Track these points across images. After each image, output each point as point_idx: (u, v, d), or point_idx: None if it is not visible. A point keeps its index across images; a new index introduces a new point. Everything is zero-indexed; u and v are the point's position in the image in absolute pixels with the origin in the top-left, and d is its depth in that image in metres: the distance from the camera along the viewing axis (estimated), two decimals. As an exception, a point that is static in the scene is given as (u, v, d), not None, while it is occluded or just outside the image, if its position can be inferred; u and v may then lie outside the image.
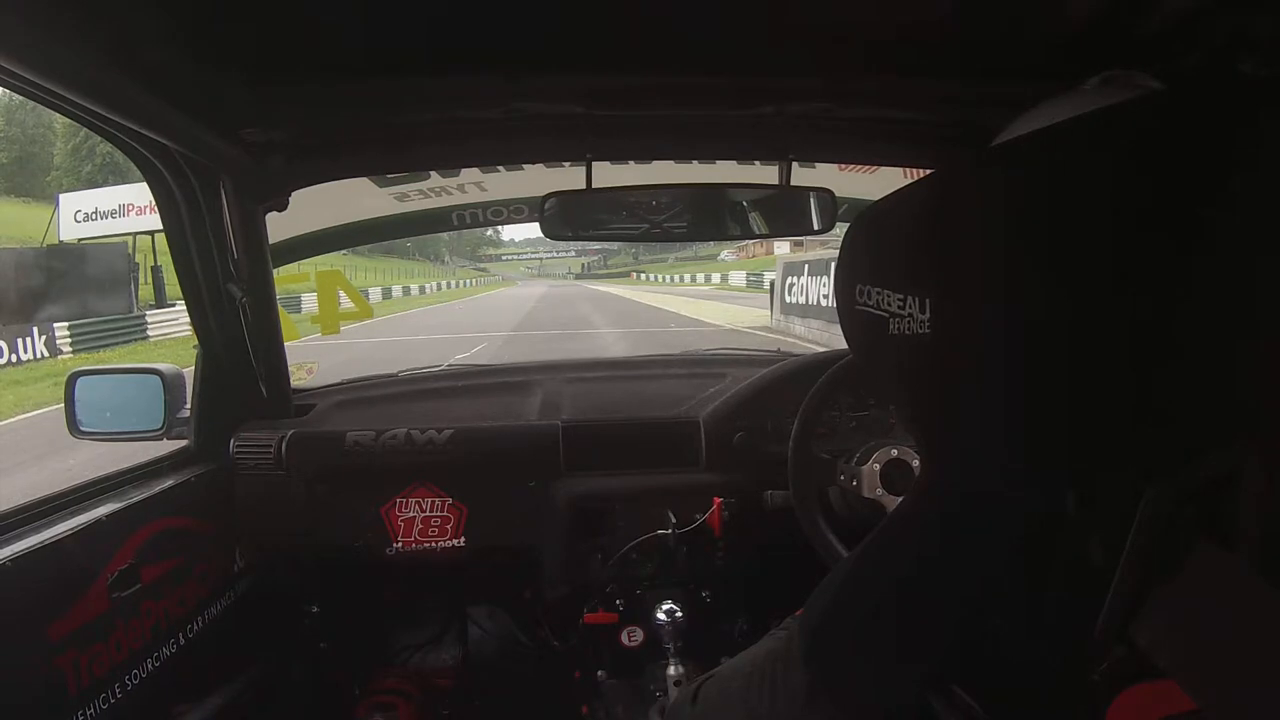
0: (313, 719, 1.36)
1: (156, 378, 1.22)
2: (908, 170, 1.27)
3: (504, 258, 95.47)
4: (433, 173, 1.74)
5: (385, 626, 1.58)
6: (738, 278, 30.23)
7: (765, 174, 1.23)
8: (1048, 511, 0.33)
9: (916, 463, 1.07)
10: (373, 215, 1.82)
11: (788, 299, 11.27)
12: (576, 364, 1.66)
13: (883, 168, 1.44)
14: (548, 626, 1.43)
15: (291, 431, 1.24)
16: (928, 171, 0.62)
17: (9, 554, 0.78)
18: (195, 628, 1.07)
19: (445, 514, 1.26)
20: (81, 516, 0.90)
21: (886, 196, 0.38)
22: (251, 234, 1.15)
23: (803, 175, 1.17)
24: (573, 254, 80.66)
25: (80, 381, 1.22)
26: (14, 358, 11.14)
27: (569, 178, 1.24)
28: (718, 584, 1.31)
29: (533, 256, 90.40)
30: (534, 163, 1.45)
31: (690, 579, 1.30)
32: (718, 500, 1.25)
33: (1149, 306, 0.27)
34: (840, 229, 0.88)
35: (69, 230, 14.66)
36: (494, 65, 0.85)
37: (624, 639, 1.30)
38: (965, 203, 0.33)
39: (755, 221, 1.16)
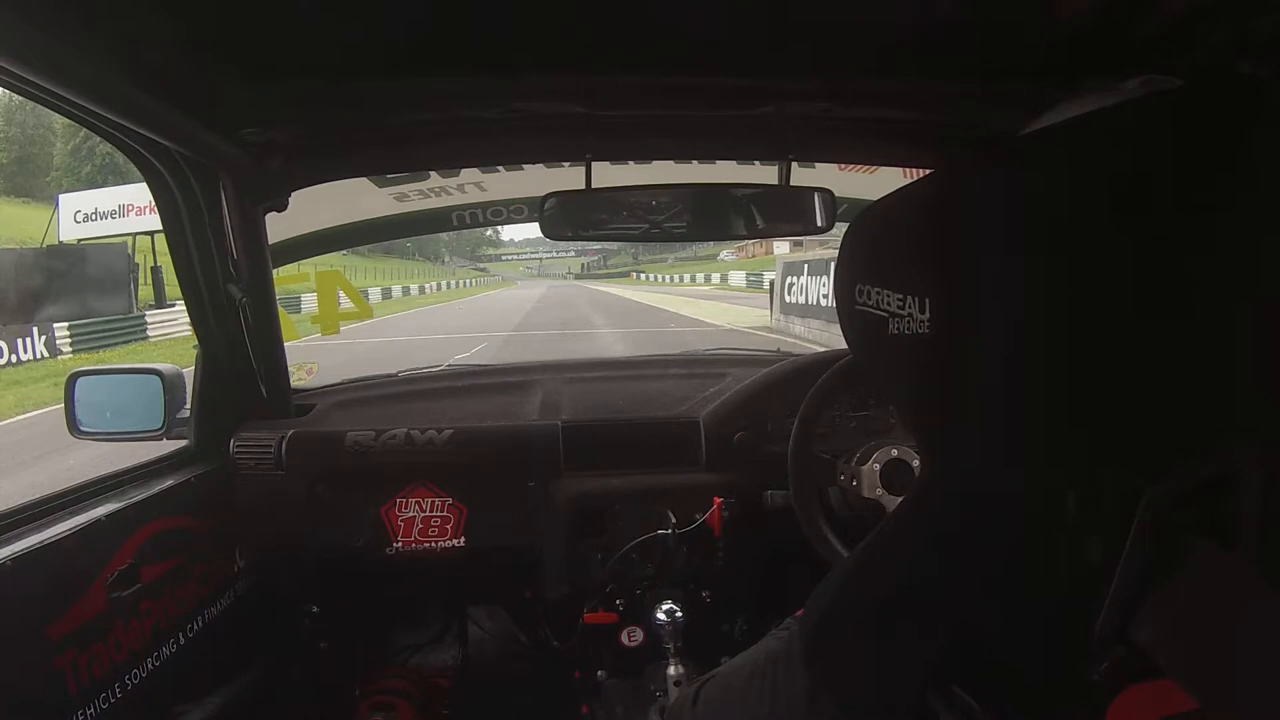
0: (313, 719, 1.36)
1: (156, 378, 1.22)
2: (908, 170, 1.27)
3: (504, 258, 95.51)
4: (433, 173, 1.75)
5: (385, 626, 1.58)
6: (737, 278, 30.21)
7: (765, 174, 1.23)
8: (1048, 511, 0.33)
9: (916, 463, 1.07)
10: (373, 215, 1.83)
11: (787, 299, 11.27)
12: (576, 364, 1.66)
13: (883, 168, 1.44)
14: (548, 626, 1.43)
15: (291, 431, 1.24)
16: (928, 171, 0.62)
17: (9, 554, 0.78)
18: (195, 628, 1.07)
19: (445, 514, 1.25)
20: (81, 516, 0.90)
21: (886, 196, 0.38)
22: (251, 234, 1.15)
23: (803, 175, 1.17)
24: (572, 254, 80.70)
25: (80, 382, 1.22)
26: (14, 358, 11.13)
27: (569, 178, 1.24)
28: (718, 584, 1.31)
29: (532, 256, 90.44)
30: (534, 163, 1.45)
31: (690, 579, 1.30)
32: (718, 500, 1.25)
33: (1149, 306, 0.27)
34: (840, 229, 0.88)
35: (69, 231, 14.65)
36: (494, 65, 0.85)
37: (624, 639, 1.30)
38: (966, 202, 0.33)
39: (755, 221, 1.16)
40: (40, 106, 0.82)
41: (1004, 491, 0.35)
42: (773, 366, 1.40)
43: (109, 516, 0.93)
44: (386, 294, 28.11)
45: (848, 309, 0.39)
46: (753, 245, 31.97)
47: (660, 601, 1.26)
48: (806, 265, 10.58)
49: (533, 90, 0.95)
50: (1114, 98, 0.33)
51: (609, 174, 1.17)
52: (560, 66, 0.87)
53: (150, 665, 0.96)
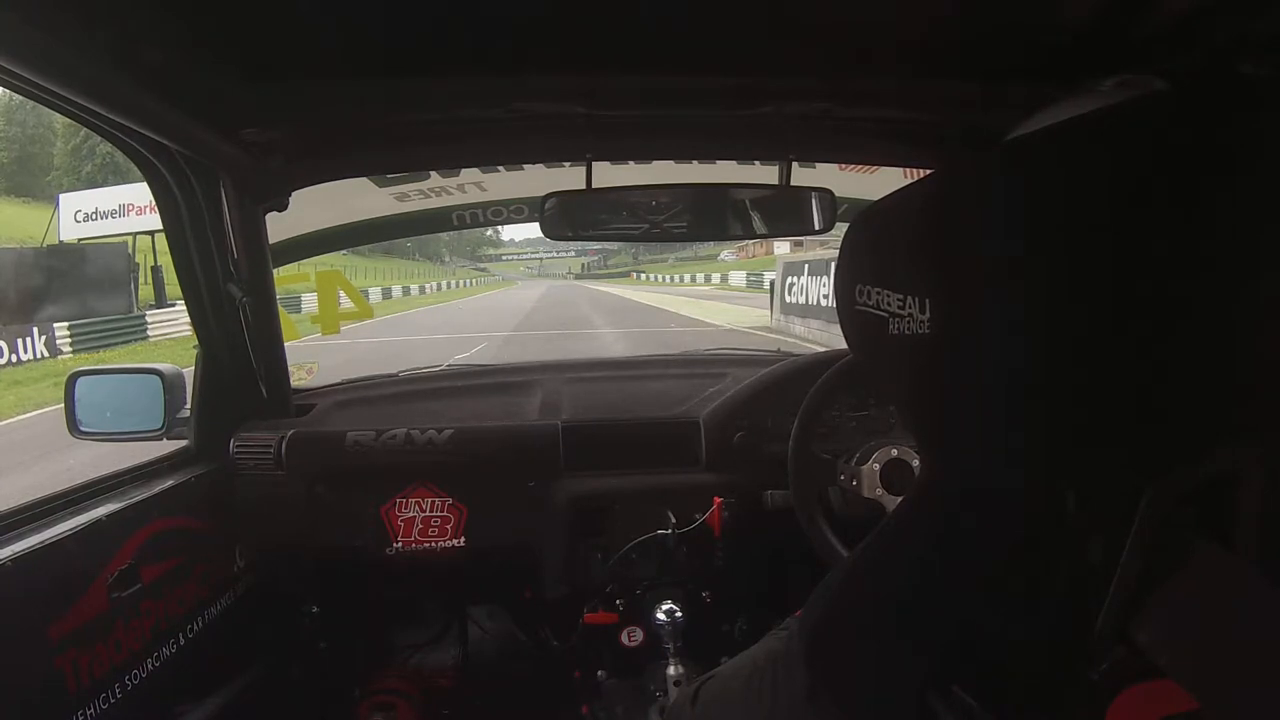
0: (313, 719, 1.36)
1: (156, 378, 1.22)
2: (908, 170, 1.27)
3: (504, 258, 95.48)
4: (433, 173, 1.75)
5: (385, 626, 1.58)
6: (738, 278, 30.16)
7: (765, 174, 1.23)
8: (1048, 511, 0.33)
9: (916, 463, 1.07)
10: (373, 215, 1.83)
11: (787, 299, 11.27)
12: (576, 364, 1.66)
13: (883, 168, 1.44)
14: (548, 626, 1.43)
15: (291, 431, 1.24)
16: (928, 171, 0.62)
17: (9, 554, 0.78)
18: (195, 628, 1.07)
19: (445, 514, 1.25)
20: (81, 516, 0.90)
21: (887, 196, 0.38)
22: (251, 234, 1.15)
23: (803, 175, 1.17)
24: (572, 254, 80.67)
25: (80, 381, 1.22)
26: (14, 358, 11.13)
27: (569, 178, 1.24)
28: (718, 584, 1.31)
29: (533, 256, 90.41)
30: (534, 163, 1.45)
31: (690, 579, 1.30)
32: (718, 500, 1.25)
33: (1150, 306, 0.27)
34: (840, 229, 0.88)
35: (69, 230, 14.66)
36: (494, 65, 0.85)
37: (624, 639, 1.30)
38: (966, 202, 0.33)
39: (755, 221, 1.16)
40: (40, 106, 0.82)
41: (1004, 491, 0.35)
42: (773, 366, 1.40)
43: (109, 516, 0.93)
44: (386, 294, 28.09)
45: (848, 309, 0.39)
46: (753, 245, 31.94)
47: (660, 601, 1.26)
48: (807, 265, 10.57)
49: (533, 90, 0.95)
50: (1114, 97, 0.33)
51: (609, 174, 1.17)
52: (561, 67, 0.87)
53: (150, 665, 0.96)
